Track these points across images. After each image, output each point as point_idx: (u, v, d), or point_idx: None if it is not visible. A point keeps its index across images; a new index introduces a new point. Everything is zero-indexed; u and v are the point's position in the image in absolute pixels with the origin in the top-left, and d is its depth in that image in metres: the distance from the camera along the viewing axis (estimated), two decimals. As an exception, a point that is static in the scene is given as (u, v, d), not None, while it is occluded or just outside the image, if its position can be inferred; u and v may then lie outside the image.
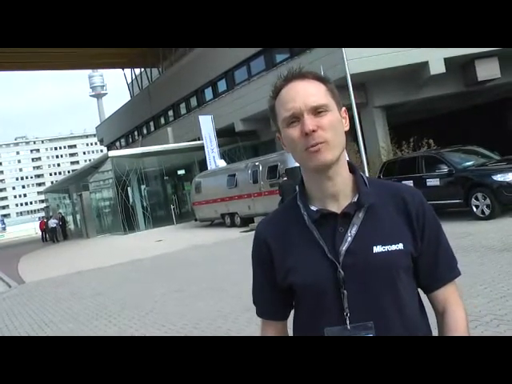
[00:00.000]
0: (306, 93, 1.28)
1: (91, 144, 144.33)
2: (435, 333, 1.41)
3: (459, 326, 1.33)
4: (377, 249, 1.28)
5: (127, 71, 45.45)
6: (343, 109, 1.36)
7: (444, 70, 18.06)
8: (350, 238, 1.30)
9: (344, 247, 1.30)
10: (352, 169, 1.39)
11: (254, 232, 1.48)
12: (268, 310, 1.48)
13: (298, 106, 1.27)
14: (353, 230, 1.31)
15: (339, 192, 1.34)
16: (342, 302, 1.29)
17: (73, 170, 67.51)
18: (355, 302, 1.29)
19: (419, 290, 1.41)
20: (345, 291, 1.28)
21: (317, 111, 1.27)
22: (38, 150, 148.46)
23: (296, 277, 1.34)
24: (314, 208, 1.36)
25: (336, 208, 1.34)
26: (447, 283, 1.37)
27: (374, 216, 1.32)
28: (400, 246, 1.29)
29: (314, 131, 1.25)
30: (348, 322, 1.28)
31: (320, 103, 1.28)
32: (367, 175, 1.43)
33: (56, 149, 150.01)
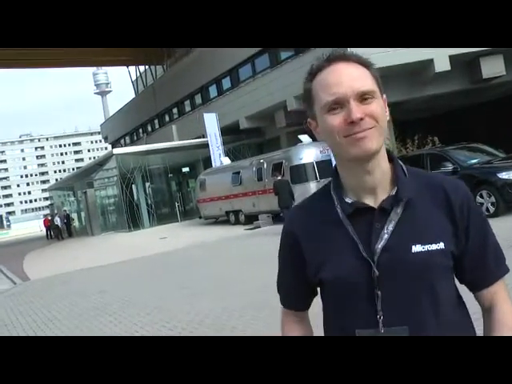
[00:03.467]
0: (352, 77, 1.18)
1: (96, 141, 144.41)
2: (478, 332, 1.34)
3: (507, 318, 1.25)
4: (416, 248, 1.19)
5: (132, 69, 45.43)
6: (384, 96, 1.26)
7: (449, 68, 17.97)
8: (386, 236, 1.21)
9: (380, 245, 1.20)
10: (391, 157, 1.28)
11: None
12: (290, 300, 1.43)
13: (343, 91, 1.16)
14: (390, 227, 1.21)
15: (377, 185, 1.24)
16: (376, 303, 1.20)
17: (77, 168, 67.66)
18: (390, 305, 1.20)
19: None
20: (379, 292, 1.20)
21: (363, 97, 1.17)
22: (42, 148, 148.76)
23: (328, 274, 1.26)
24: (348, 200, 1.26)
25: (372, 201, 1.24)
26: (495, 282, 1.29)
27: (413, 211, 1.22)
28: (441, 245, 1.20)
29: (361, 119, 1.15)
30: (381, 325, 1.20)
31: (368, 89, 1.18)
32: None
33: (60, 146, 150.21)
